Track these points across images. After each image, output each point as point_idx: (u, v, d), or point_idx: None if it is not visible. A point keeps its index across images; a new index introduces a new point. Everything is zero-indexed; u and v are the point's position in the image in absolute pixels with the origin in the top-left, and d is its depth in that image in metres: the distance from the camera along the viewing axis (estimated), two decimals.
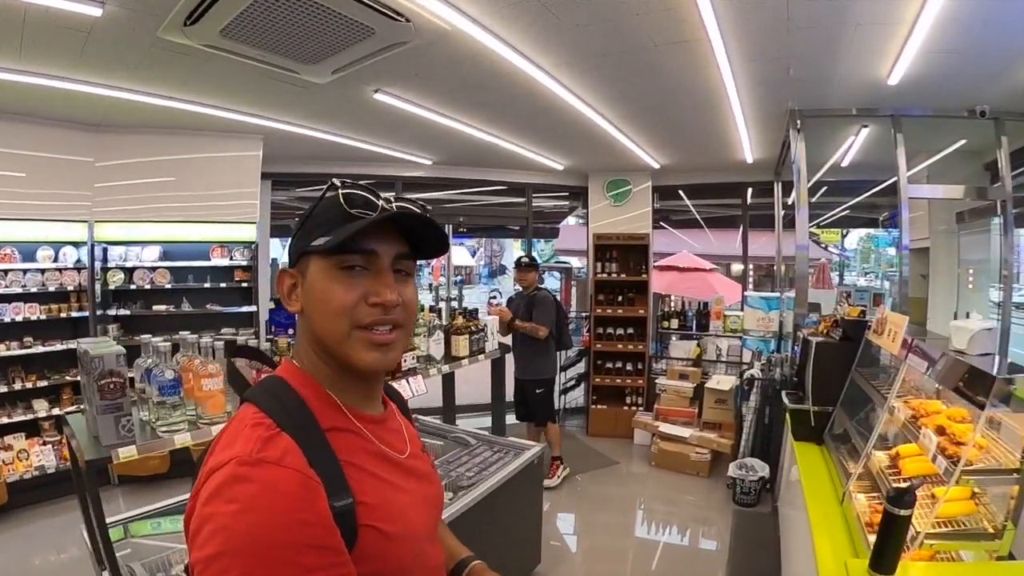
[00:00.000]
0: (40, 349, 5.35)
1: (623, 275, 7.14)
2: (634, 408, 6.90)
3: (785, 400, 3.96)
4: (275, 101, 4.68)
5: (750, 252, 7.88)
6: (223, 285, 6.08)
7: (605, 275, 7.17)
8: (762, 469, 5.04)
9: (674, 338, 7.00)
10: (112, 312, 5.82)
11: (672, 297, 7.51)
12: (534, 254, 6.14)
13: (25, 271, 5.38)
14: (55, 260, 5.52)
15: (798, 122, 4.51)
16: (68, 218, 5.49)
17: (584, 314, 7.45)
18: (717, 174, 7.29)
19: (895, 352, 2.74)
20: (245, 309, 6.17)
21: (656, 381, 6.48)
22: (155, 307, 5.99)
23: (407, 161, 6.89)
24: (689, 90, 4.21)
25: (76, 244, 5.59)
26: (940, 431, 2.18)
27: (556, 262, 22.55)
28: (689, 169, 7.26)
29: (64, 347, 5.41)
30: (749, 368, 5.73)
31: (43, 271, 5.45)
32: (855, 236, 18.67)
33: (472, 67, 3.88)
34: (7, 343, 5.24)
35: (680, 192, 7.94)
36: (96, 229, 5.60)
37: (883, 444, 2.79)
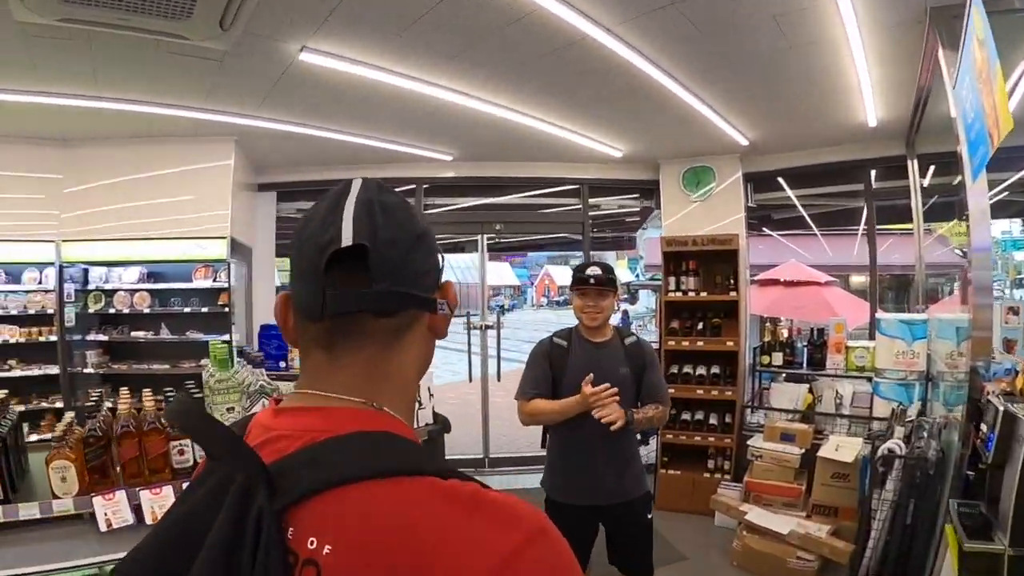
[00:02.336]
0: (18, 373, 5.08)
1: (705, 293, 5.32)
2: (717, 475, 5.01)
3: (958, 526, 2.13)
4: (205, 88, 3.89)
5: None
6: (205, 310, 5.32)
7: (679, 294, 5.38)
8: None
9: (779, 379, 5.07)
10: (92, 337, 5.38)
11: (783, 321, 5.55)
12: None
13: (6, 293, 5.24)
14: (39, 282, 5.25)
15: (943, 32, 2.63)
16: (37, 238, 5.15)
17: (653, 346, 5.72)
18: (828, 151, 5.30)
19: None
20: (225, 337, 5.18)
21: (749, 444, 4.59)
22: (134, 333, 5.50)
23: (425, 159, 5.70)
24: None
25: (65, 265, 5.18)
26: None
27: (652, 279, 20.37)
28: (790, 146, 5.35)
29: (41, 372, 5.14)
30: (884, 435, 3.74)
31: (26, 292, 5.23)
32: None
33: None
34: None
35: (780, 181, 5.95)
36: (67, 249, 5.17)
37: None
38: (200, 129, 4.82)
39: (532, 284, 39.33)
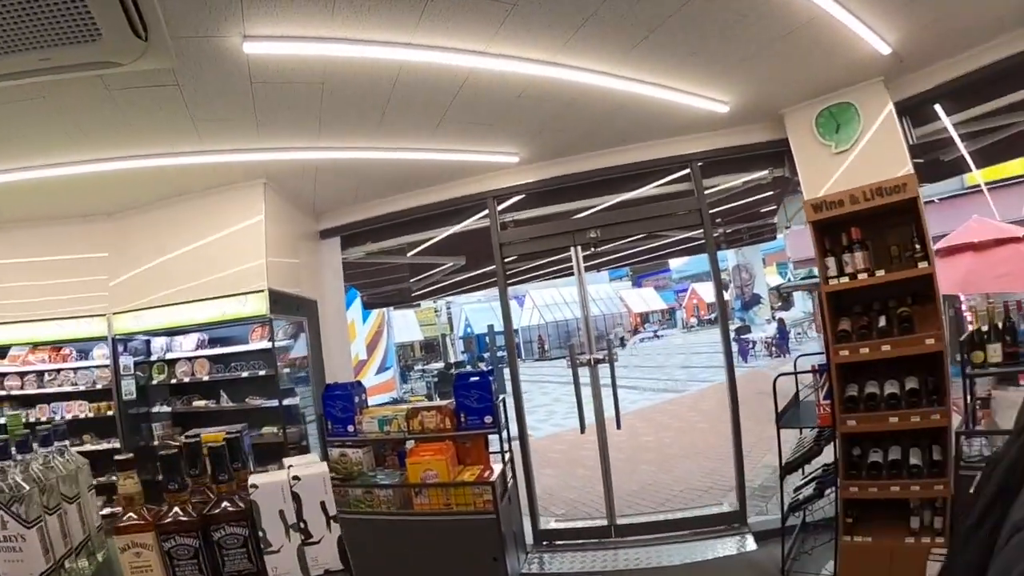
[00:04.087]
0: (89, 447, 4.94)
1: (881, 272, 3.69)
2: (926, 539, 3.31)
3: None
4: (189, 127, 3.52)
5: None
6: (262, 373, 4.84)
7: (844, 279, 3.76)
8: None
9: (1001, 385, 3.35)
10: (158, 408, 5.19)
11: (971, 299, 3.82)
12: None
13: (76, 369, 5.16)
14: (107, 357, 5.10)
15: None
16: (87, 313, 5.04)
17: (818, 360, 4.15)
18: (997, 47, 3.62)
19: None
20: (288, 402, 4.80)
21: (972, 490, 2.90)
22: (196, 403, 5.14)
23: (491, 167, 4.85)
24: None
25: (119, 337, 5.04)
26: None
27: (804, 278, 17.93)
28: (951, 44, 3.67)
29: (110, 446, 4.94)
30: None
31: (94, 368, 5.11)
32: None
33: None
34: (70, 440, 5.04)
35: (938, 110, 4.20)
36: (117, 321, 5.01)
37: None
38: (224, 178, 4.51)
39: (681, 306, 38.07)
